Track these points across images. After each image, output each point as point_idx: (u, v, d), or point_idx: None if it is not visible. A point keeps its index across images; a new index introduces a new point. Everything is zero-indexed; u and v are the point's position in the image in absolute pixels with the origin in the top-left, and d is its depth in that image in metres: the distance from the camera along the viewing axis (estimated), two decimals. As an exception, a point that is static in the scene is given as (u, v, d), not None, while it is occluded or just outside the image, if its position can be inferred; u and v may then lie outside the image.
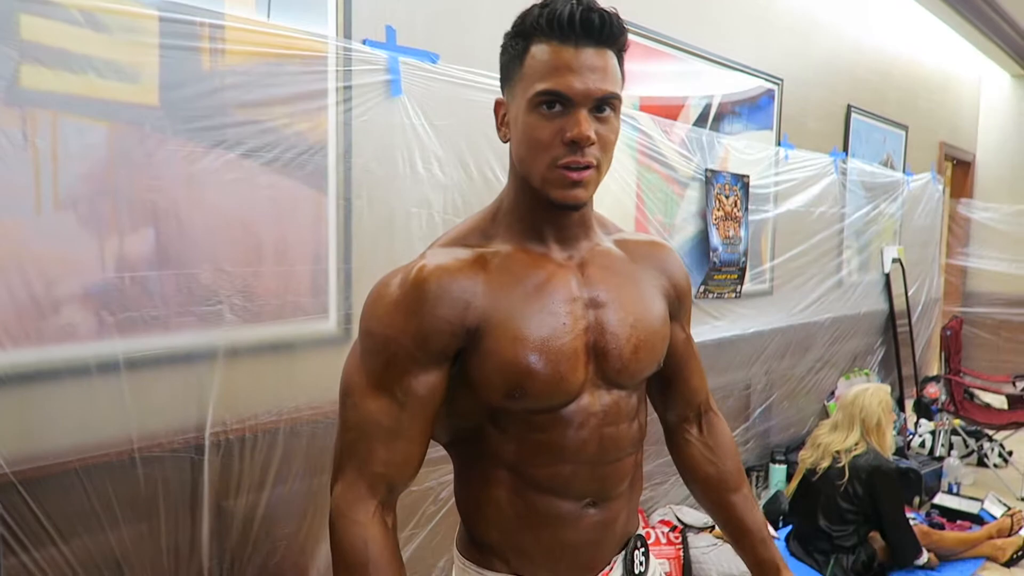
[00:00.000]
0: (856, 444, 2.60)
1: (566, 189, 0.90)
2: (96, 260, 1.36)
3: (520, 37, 0.92)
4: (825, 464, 2.62)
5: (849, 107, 3.77)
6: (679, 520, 2.65)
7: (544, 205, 0.94)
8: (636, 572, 1.10)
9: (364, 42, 1.74)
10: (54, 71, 1.29)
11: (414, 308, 0.90)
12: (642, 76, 2.54)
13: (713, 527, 2.61)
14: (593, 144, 0.89)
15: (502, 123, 0.97)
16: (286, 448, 1.62)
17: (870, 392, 2.67)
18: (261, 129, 1.57)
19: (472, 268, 0.94)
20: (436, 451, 1.79)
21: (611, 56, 0.91)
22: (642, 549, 1.12)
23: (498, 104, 0.97)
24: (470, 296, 0.92)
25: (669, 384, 1.17)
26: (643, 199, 2.57)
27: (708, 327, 2.91)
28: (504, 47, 0.95)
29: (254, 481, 1.58)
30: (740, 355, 3.13)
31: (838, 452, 2.61)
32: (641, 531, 1.16)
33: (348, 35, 1.71)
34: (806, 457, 2.75)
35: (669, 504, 2.78)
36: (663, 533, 2.43)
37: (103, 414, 1.36)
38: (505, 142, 0.97)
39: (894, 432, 3.80)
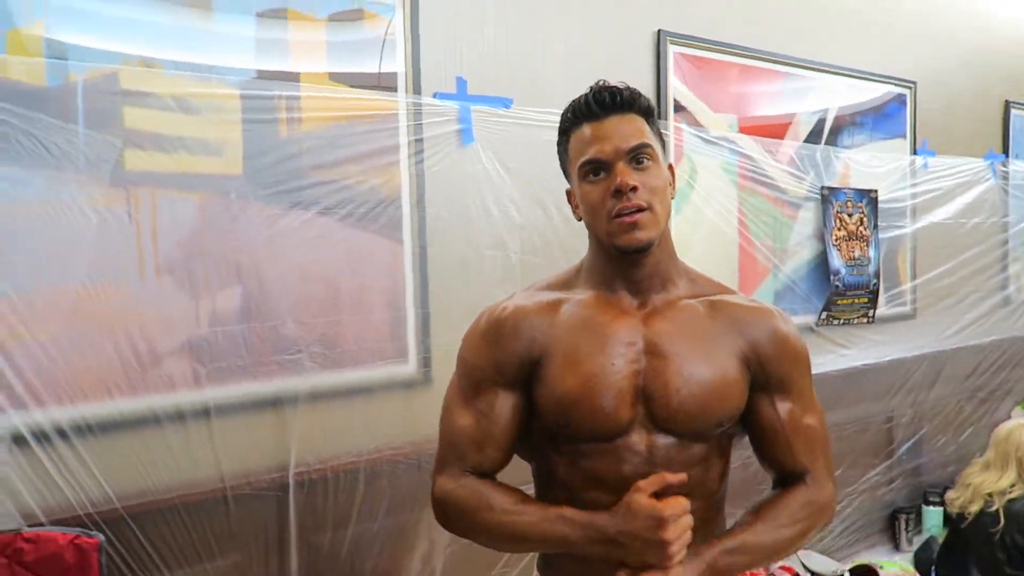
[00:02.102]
0: (1012, 486, 2.29)
1: (626, 234, 1.03)
2: (191, 317, 1.53)
3: (562, 135, 1.11)
4: (975, 508, 2.33)
5: (1008, 103, 3.34)
6: (805, 567, 2.45)
7: (615, 259, 1.08)
8: None
9: (435, 95, 1.82)
10: (151, 153, 1.48)
11: (493, 341, 1.09)
12: (739, 98, 2.43)
13: (842, 575, 2.39)
14: (636, 189, 1.02)
15: (575, 207, 1.13)
16: (367, 488, 1.71)
17: (1029, 429, 2.34)
18: (336, 187, 1.68)
19: (546, 309, 1.09)
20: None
21: (636, 119, 1.06)
22: None
23: (568, 194, 1.15)
24: (538, 333, 1.07)
25: (759, 455, 1.15)
26: (746, 224, 2.44)
27: (834, 356, 2.68)
28: (557, 151, 1.14)
29: (338, 518, 1.68)
30: (876, 386, 2.85)
31: (990, 495, 2.31)
32: None
33: (418, 89, 1.79)
34: (954, 499, 2.45)
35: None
36: (779, 581, 2.26)
37: (197, 455, 1.51)
38: (580, 221, 1.12)
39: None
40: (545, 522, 1.02)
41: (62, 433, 1.37)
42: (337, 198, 1.68)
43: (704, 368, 1.04)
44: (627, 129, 1.04)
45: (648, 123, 1.08)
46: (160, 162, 1.49)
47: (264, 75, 1.59)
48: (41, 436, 1.34)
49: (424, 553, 1.80)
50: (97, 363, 1.42)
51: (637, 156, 1.04)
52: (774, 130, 2.51)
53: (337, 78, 1.69)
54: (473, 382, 1.10)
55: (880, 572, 2.35)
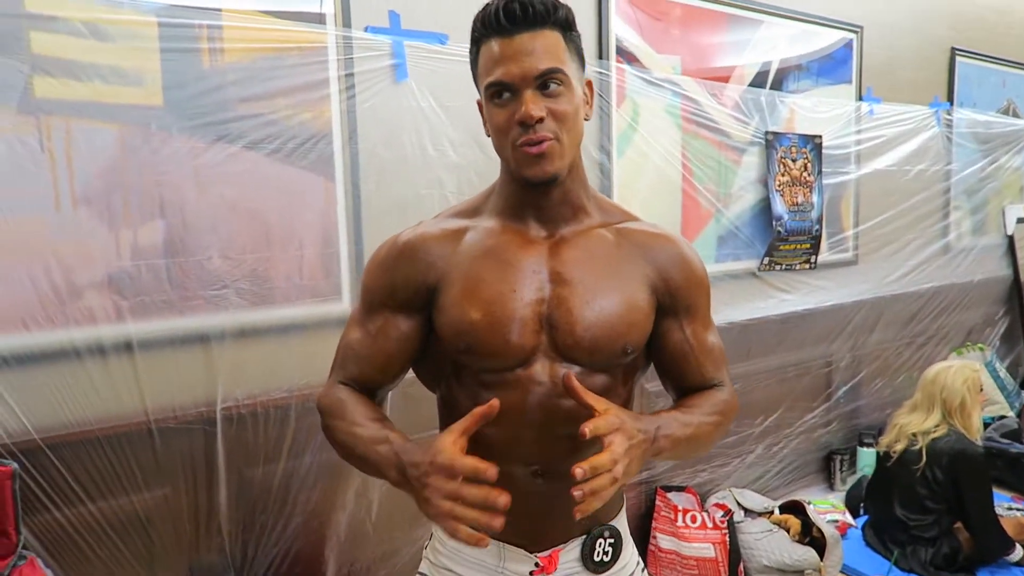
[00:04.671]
0: (936, 426, 2.38)
1: (531, 165, 0.98)
2: (111, 250, 1.50)
3: (473, 44, 1.02)
4: (900, 447, 2.42)
5: (953, 51, 3.36)
6: (739, 504, 2.54)
7: (524, 187, 1.03)
8: (596, 560, 1.10)
9: (366, 29, 1.78)
10: (63, 81, 1.43)
11: (391, 266, 1.08)
12: (683, 40, 2.41)
13: (771, 512, 2.48)
14: (542, 120, 0.95)
15: (486, 121, 1.04)
16: (299, 423, 1.72)
17: (954, 370, 2.42)
18: (264, 121, 1.65)
19: (449, 236, 1.07)
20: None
21: (550, 34, 0.97)
22: (610, 540, 1.11)
23: (479, 105, 1.05)
24: (435, 259, 1.05)
25: (665, 379, 1.14)
26: (690, 168, 2.45)
27: (775, 301, 2.74)
28: (470, 59, 1.04)
29: (269, 452, 1.69)
30: (816, 330, 2.92)
31: (915, 434, 2.40)
32: (619, 523, 1.13)
33: (348, 23, 1.75)
34: (882, 439, 2.55)
35: (731, 487, 2.67)
36: (712, 517, 2.34)
37: (120, 389, 1.50)
38: (489, 137, 1.05)
39: (1014, 414, 3.43)
40: (372, 441, 0.98)
41: (-25, 365, 1.35)
42: (264, 132, 1.65)
43: (611, 295, 1.02)
44: (538, 49, 0.95)
45: (565, 38, 0.98)
46: (74, 90, 1.44)
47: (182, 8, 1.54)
48: (-49, 367, 1.32)
49: (358, 488, 1.82)
50: (12, 296, 1.40)
51: (546, 81, 0.95)
52: (719, 74, 2.51)
53: (268, 13, 1.64)
54: (367, 304, 1.10)
55: (808, 507, 2.44)
